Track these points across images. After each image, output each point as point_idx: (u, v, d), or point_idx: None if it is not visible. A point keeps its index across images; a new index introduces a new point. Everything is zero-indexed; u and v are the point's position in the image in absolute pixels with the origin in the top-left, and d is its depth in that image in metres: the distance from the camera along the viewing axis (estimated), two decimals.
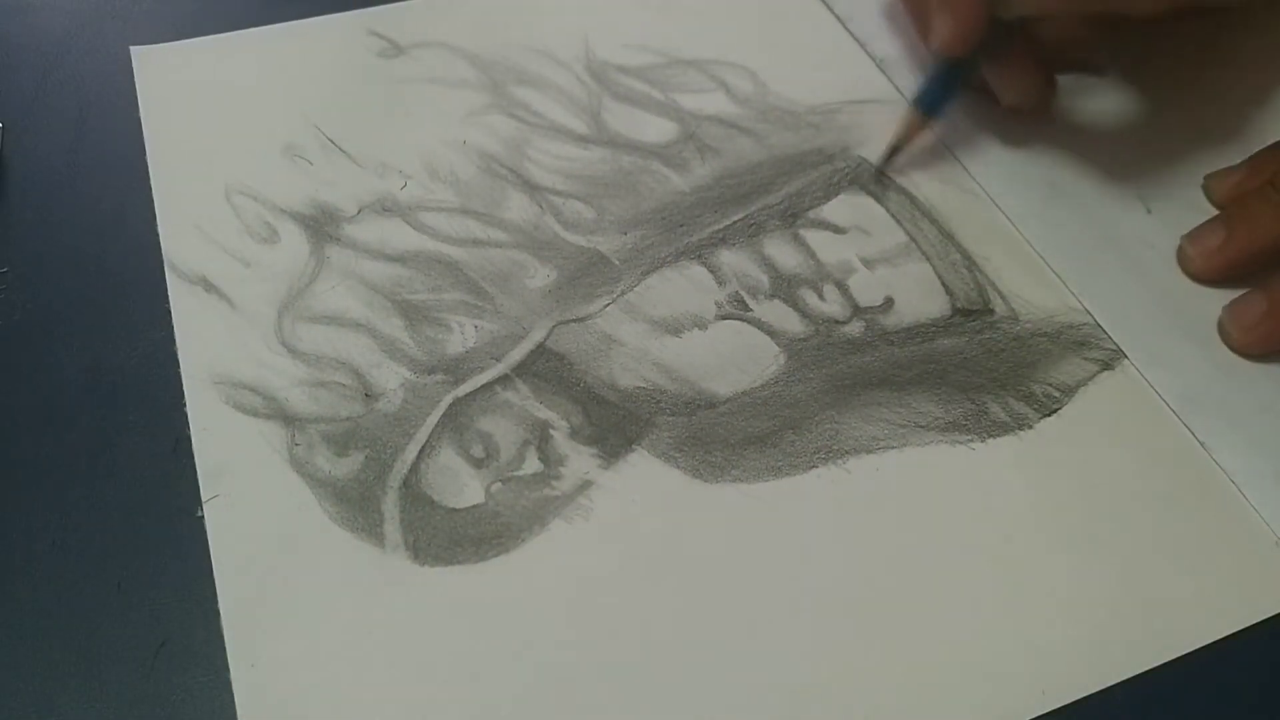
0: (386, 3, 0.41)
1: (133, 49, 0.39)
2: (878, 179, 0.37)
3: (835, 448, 0.30)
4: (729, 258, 0.34)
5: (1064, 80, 0.39)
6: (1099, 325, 0.33)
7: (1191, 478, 0.30)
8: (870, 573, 0.28)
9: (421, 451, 0.29)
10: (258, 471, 0.28)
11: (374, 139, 0.36)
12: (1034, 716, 0.26)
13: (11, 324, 0.31)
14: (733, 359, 0.32)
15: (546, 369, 0.31)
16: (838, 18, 0.42)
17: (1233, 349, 0.33)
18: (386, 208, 0.34)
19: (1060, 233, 0.36)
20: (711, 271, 0.34)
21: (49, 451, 0.28)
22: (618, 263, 0.34)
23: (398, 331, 0.31)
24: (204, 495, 0.28)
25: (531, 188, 0.35)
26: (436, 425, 0.29)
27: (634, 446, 0.29)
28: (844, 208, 0.36)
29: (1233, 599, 0.28)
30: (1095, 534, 0.29)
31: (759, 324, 0.32)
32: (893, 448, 0.30)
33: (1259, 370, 0.32)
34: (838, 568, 0.28)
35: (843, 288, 0.34)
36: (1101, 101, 0.40)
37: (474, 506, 0.28)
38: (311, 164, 0.35)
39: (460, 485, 0.28)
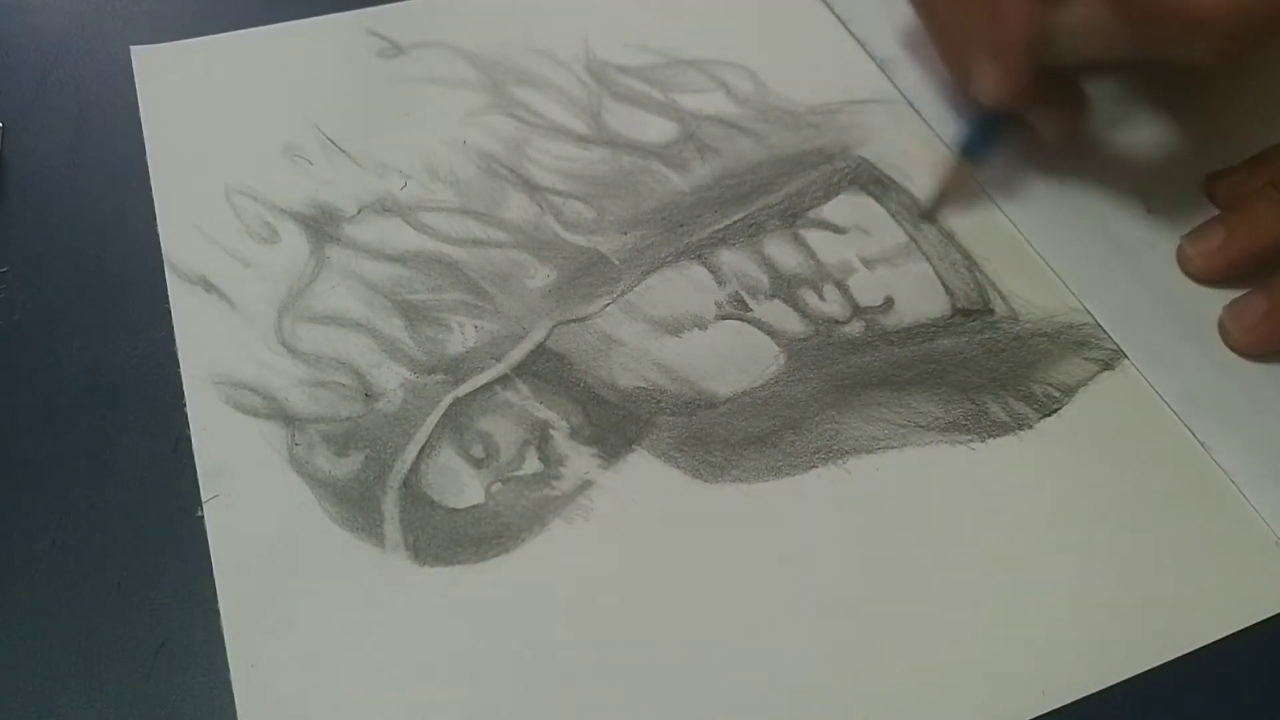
0: (386, 3, 0.41)
1: (133, 49, 0.39)
2: (878, 181, 0.37)
3: (835, 448, 0.30)
4: (729, 258, 0.34)
5: None
6: (1099, 325, 0.33)
7: (1191, 478, 0.30)
8: (870, 573, 0.28)
9: (421, 451, 0.29)
10: (258, 471, 0.28)
11: (374, 139, 0.36)
12: (1034, 716, 0.26)
13: (11, 324, 0.31)
14: (733, 359, 0.32)
15: (546, 369, 0.31)
16: (838, 17, 0.42)
17: (1233, 349, 0.33)
18: (386, 208, 0.34)
19: (1060, 233, 0.36)
20: (711, 271, 0.34)
21: (49, 451, 0.28)
22: (618, 263, 0.34)
23: (398, 331, 0.31)
24: (204, 495, 0.28)
25: (531, 188, 0.35)
26: (436, 425, 0.29)
27: (634, 446, 0.29)
28: (844, 208, 0.36)
29: (1233, 599, 0.28)
30: (1095, 534, 0.29)
31: (759, 324, 0.32)
32: (893, 448, 0.30)
33: (1259, 370, 0.32)
34: (838, 568, 0.28)
35: (843, 288, 0.34)
36: (1102, 102, 0.40)
37: (474, 506, 0.28)
38: (311, 164, 0.35)
39: (460, 485, 0.28)
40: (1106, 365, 0.32)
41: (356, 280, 0.32)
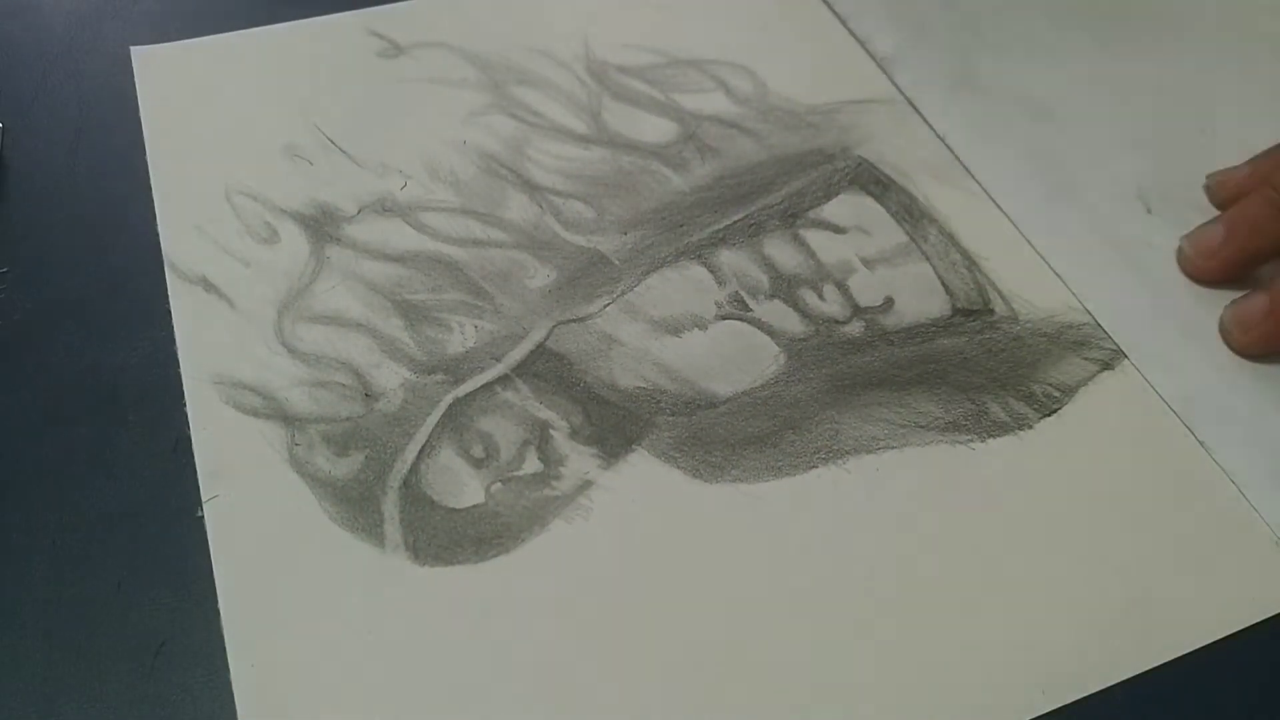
0: (386, 3, 0.41)
1: (133, 49, 0.39)
2: (878, 181, 0.37)
3: (835, 448, 0.30)
4: (729, 258, 0.34)
5: (1062, 79, 0.39)
6: (1099, 325, 0.33)
7: (1191, 478, 0.30)
8: (870, 573, 0.28)
9: (421, 451, 0.29)
10: (258, 471, 0.28)
11: (374, 139, 0.36)
12: (1034, 716, 0.25)
13: (11, 324, 0.31)
14: (733, 359, 0.32)
15: (546, 369, 0.31)
16: (838, 17, 0.42)
17: (1233, 349, 0.33)
18: (386, 208, 0.34)
19: (1060, 233, 0.36)
20: (711, 271, 0.34)
21: (49, 451, 0.28)
22: (618, 263, 0.34)
23: (398, 331, 0.31)
24: (204, 495, 0.28)
25: (531, 188, 0.35)
26: (436, 425, 0.29)
27: (634, 446, 0.29)
28: (844, 208, 0.36)
29: (1233, 599, 0.28)
30: (1095, 534, 0.29)
31: (759, 324, 0.32)
32: (893, 448, 0.30)
33: (1259, 370, 0.32)
34: (838, 567, 0.28)
35: (843, 288, 0.34)
36: (1103, 102, 0.40)
37: (474, 506, 0.28)
38: (311, 164, 0.35)
39: (460, 485, 0.28)
40: (1106, 365, 0.32)
41: (356, 280, 0.32)
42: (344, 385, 0.30)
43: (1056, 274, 0.34)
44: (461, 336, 0.31)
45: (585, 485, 0.29)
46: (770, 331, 0.32)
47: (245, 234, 0.33)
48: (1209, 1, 0.45)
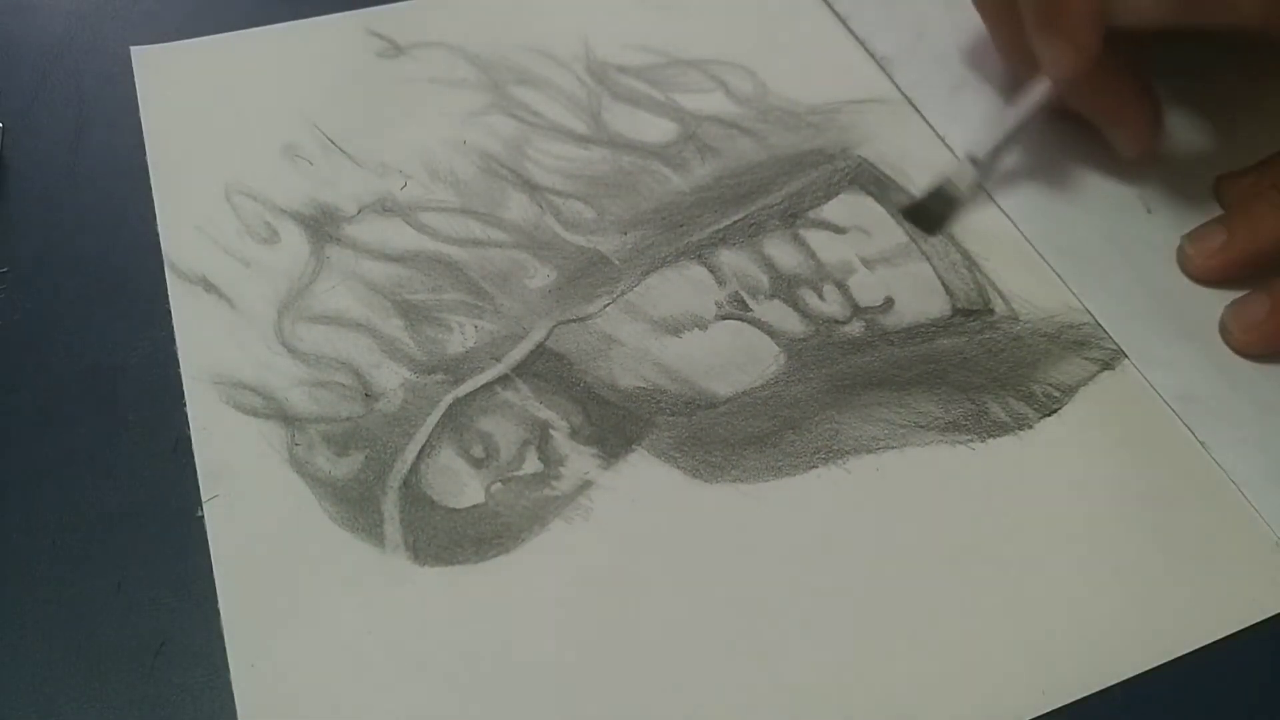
0: (386, 2, 0.41)
1: (133, 49, 0.39)
2: (878, 181, 0.37)
3: (835, 448, 0.30)
4: (729, 258, 0.34)
5: None
6: (1099, 325, 0.33)
7: (1191, 478, 0.30)
8: (870, 573, 0.28)
9: (421, 451, 0.29)
10: (258, 471, 0.28)
11: (374, 139, 0.36)
12: (1034, 716, 0.26)
13: (11, 324, 0.31)
14: (733, 359, 0.32)
15: (546, 369, 0.31)
16: (838, 16, 0.42)
17: (1234, 349, 0.33)
18: (386, 208, 0.34)
19: (1060, 233, 0.36)
20: (711, 271, 0.34)
21: (49, 451, 0.28)
22: (618, 263, 0.34)
23: (398, 331, 0.31)
24: (204, 495, 0.28)
25: (531, 188, 0.35)
26: (436, 425, 0.29)
27: (634, 446, 0.29)
28: (844, 208, 0.36)
29: (1233, 599, 0.28)
30: (1095, 534, 0.29)
31: (759, 324, 0.32)
32: (893, 448, 0.30)
33: (1259, 370, 0.32)
34: (837, 568, 0.28)
35: (843, 288, 0.34)
36: None
37: (474, 506, 0.28)
38: (311, 164, 0.35)
39: (460, 485, 0.28)
40: (1106, 365, 0.32)
41: (356, 280, 0.32)
42: (344, 385, 0.30)
43: (1056, 274, 0.34)
44: (461, 336, 0.31)
45: (585, 485, 0.29)
46: (770, 331, 0.32)
47: (245, 234, 0.33)
48: None
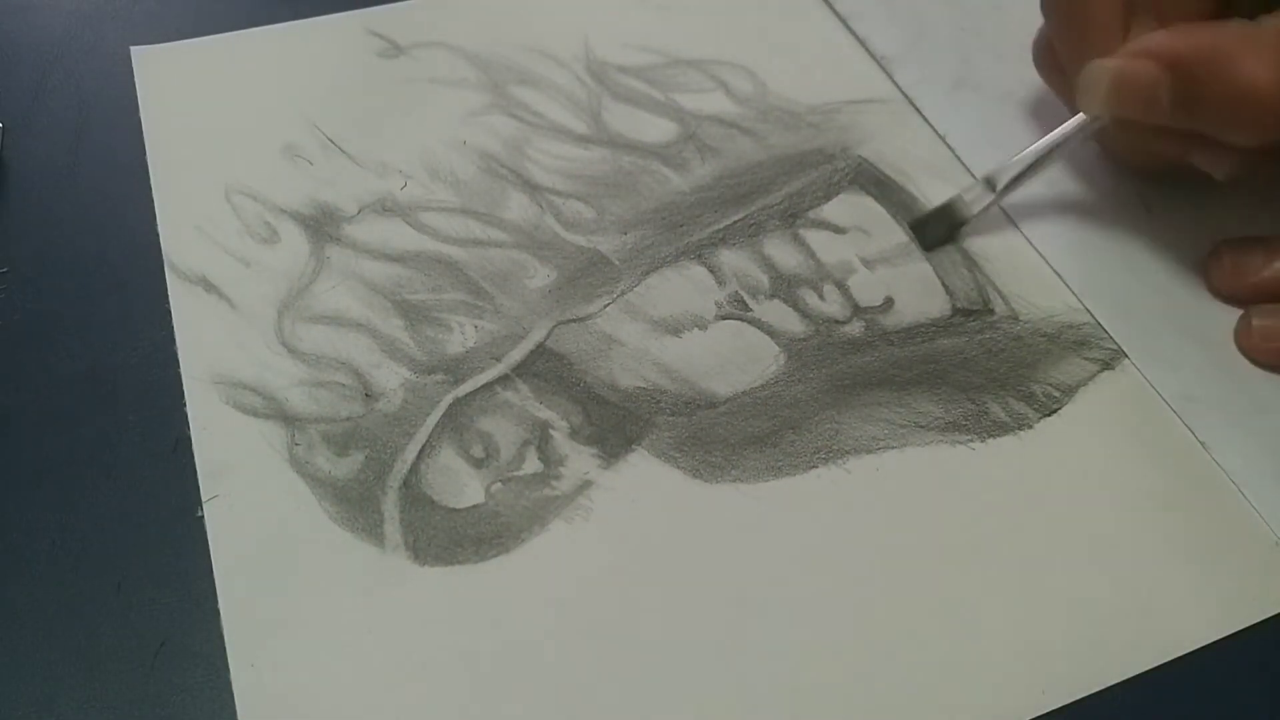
0: (386, 2, 0.41)
1: (133, 49, 0.39)
2: (878, 181, 0.37)
3: (835, 448, 0.30)
4: (729, 258, 0.34)
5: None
6: (1099, 325, 0.33)
7: (1191, 478, 0.30)
8: (870, 573, 0.28)
9: (421, 451, 0.29)
10: (258, 471, 0.28)
11: (374, 139, 0.36)
12: (1034, 716, 0.26)
13: (11, 324, 0.31)
14: (733, 359, 0.32)
15: (546, 369, 0.31)
16: (838, 16, 0.42)
17: (1250, 357, 0.32)
18: (386, 208, 0.34)
19: (1060, 232, 0.36)
20: (711, 271, 0.34)
21: (49, 451, 0.28)
22: (618, 263, 0.34)
23: (398, 331, 0.31)
24: (204, 495, 0.28)
25: (531, 188, 0.35)
26: (436, 425, 0.29)
27: (634, 446, 0.29)
28: (844, 208, 0.36)
29: (1233, 599, 0.28)
30: (1095, 534, 0.29)
31: (759, 324, 0.32)
32: (893, 448, 0.30)
33: (1259, 370, 0.32)
34: (837, 568, 0.28)
35: (843, 288, 0.34)
36: None
37: (474, 506, 0.28)
38: (311, 164, 0.35)
39: (460, 485, 0.28)
40: (1106, 365, 0.32)
41: (356, 280, 0.32)
42: (344, 385, 0.30)
43: (1057, 274, 0.34)
44: (461, 336, 0.31)
45: (585, 485, 0.29)
46: (770, 331, 0.32)
47: (245, 234, 0.33)
48: None
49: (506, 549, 0.27)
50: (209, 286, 0.32)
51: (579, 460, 0.29)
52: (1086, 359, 0.32)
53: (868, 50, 0.41)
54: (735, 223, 0.35)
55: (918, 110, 0.39)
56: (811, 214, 0.36)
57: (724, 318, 0.33)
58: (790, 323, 0.33)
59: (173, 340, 0.31)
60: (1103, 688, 0.26)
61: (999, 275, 0.34)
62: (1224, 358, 0.33)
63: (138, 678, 0.25)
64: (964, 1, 0.43)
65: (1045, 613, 0.27)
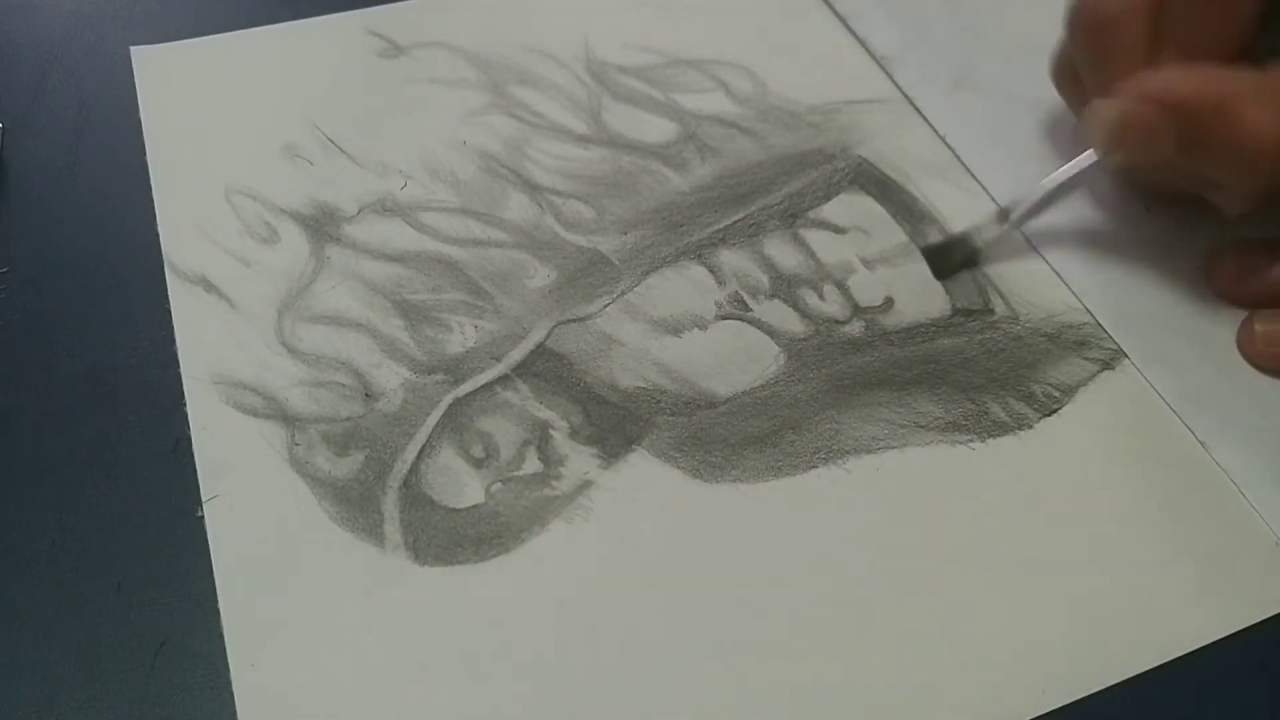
0: (386, 2, 0.41)
1: (133, 49, 0.39)
2: (878, 181, 0.37)
3: (835, 448, 0.30)
4: (729, 258, 0.34)
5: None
6: (1099, 325, 0.33)
7: (1191, 478, 0.30)
8: (870, 573, 0.28)
9: (421, 451, 0.29)
10: (258, 471, 0.28)
11: (374, 139, 0.36)
12: (1034, 716, 0.26)
13: (11, 324, 0.31)
14: (733, 359, 0.32)
15: (546, 369, 0.31)
16: (838, 16, 0.42)
17: (1253, 361, 0.32)
18: (386, 208, 0.34)
19: (1060, 233, 0.36)
20: (711, 271, 0.34)
21: (49, 451, 0.28)
22: (618, 263, 0.34)
23: (398, 331, 0.31)
24: (204, 495, 0.28)
25: (531, 188, 0.35)
26: (436, 425, 0.29)
27: (634, 446, 0.29)
28: (844, 208, 0.36)
29: (1233, 599, 0.28)
30: (1095, 534, 0.29)
31: (759, 324, 0.32)
32: (893, 448, 0.30)
33: (1259, 371, 0.32)
34: (837, 568, 0.28)
35: (843, 288, 0.34)
36: None
37: (474, 506, 0.28)
38: (311, 164, 0.35)
39: (460, 485, 0.28)
40: (1106, 365, 0.32)
41: (356, 280, 0.32)
42: (344, 385, 0.30)
43: (1057, 274, 0.34)
44: (461, 336, 0.31)
45: (585, 485, 0.29)
46: (770, 331, 0.32)
47: (245, 234, 0.33)
48: None
49: (506, 549, 0.27)
50: (209, 286, 0.32)
51: (579, 460, 0.29)
52: (1086, 359, 0.32)
53: (868, 50, 0.41)
54: (735, 223, 0.35)
55: (918, 110, 0.39)
56: (811, 214, 0.36)
57: (724, 318, 0.33)
58: (790, 323, 0.33)
59: (173, 340, 0.31)
60: (1103, 688, 0.26)
61: (999, 275, 0.34)
62: (1224, 358, 0.33)
63: (138, 678, 0.25)
64: (964, 1, 0.43)
65: (1045, 613, 0.27)
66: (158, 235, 0.33)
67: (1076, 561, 0.28)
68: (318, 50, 0.39)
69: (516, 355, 0.31)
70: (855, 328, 0.33)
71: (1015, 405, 0.31)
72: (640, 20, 0.41)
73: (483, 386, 0.30)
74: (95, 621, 0.26)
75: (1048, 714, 0.26)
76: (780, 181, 0.36)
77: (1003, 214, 0.35)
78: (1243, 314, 0.33)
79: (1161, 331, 0.33)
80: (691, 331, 0.32)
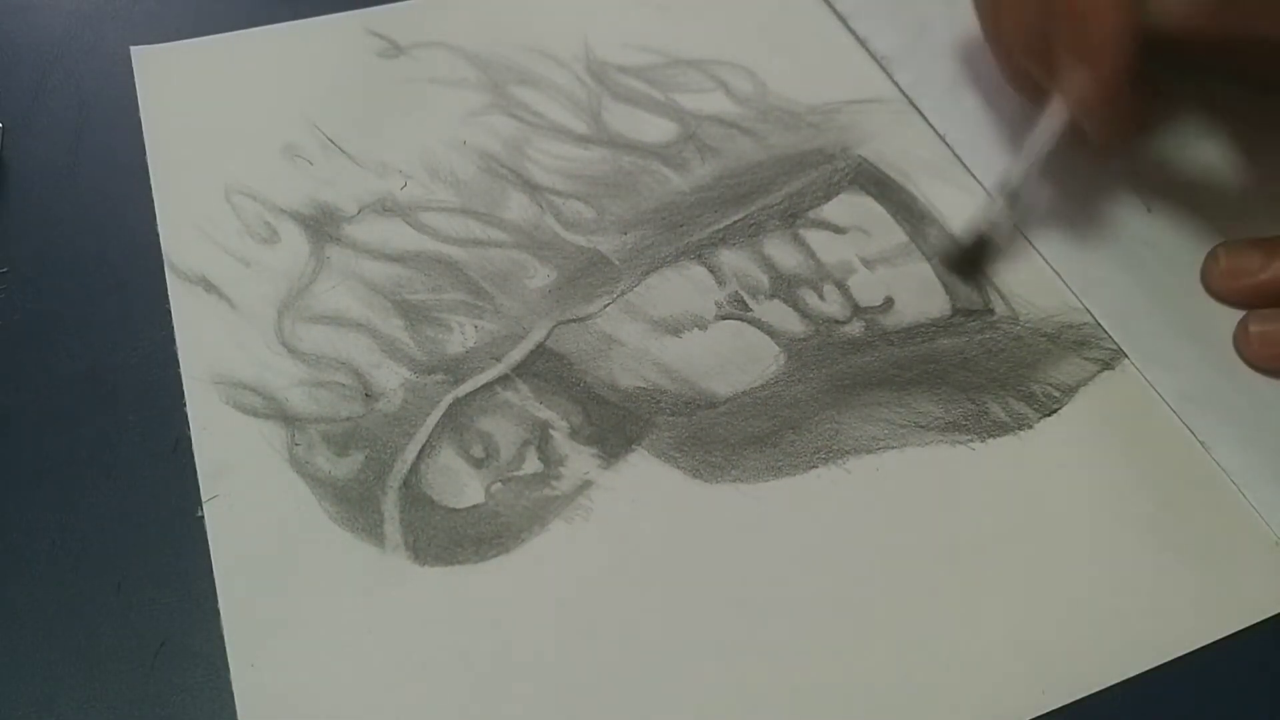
0: (386, 2, 0.41)
1: (133, 49, 0.39)
2: (878, 181, 0.37)
3: (835, 448, 0.30)
4: (729, 258, 0.34)
5: None
6: (1099, 325, 0.33)
7: (1191, 478, 0.30)
8: (870, 573, 0.28)
9: (421, 451, 0.29)
10: (258, 471, 0.28)
11: (374, 139, 0.36)
12: (1034, 716, 0.26)
13: (11, 324, 0.31)
14: (733, 359, 0.32)
15: (546, 369, 0.31)
16: (839, 16, 0.42)
17: (1250, 361, 0.32)
18: (386, 208, 0.34)
19: (1060, 233, 0.36)
20: (711, 271, 0.34)
21: (49, 451, 0.28)
22: (618, 263, 0.34)
23: (398, 331, 0.31)
24: (204, 495, 0.28)
25: (531, 188, 0.35)
26: (436, 425, 0.29)
27: (634, 446, 0.29)
28: (844, 208, 0.36)
29: (1233, 599, 0.28)
30: (1095, 534, 0.29)
31: (759, 324, 0.32)
32: (893, 448, 0.30)
33: (1257, 371, 0.32)
34: (838, 568, 0.28)
35: (843, 288, 0.34)
36: None
37: (474, 506, 0.28)
38: (311, 164, 0.35)
39: (460, 485, 0.28)
40: (1106, 365, 0.32)
41: (356, 280, 0.32)
42: (344, 385, 0.30)
43: (1057, 274, 0.34)
44: (461, 336, 0.31)
45: (585, 485, 0.29)
46: (770, 331, 0.32)
47: (245, 234, 0.33)
48: None
49: (506, 549, 0.27)
50: (209, 286, 0.32)
51: (579, 460, 0.29)
52: (1086, 359, 0.32)
53: (868, 50, 0.41)
54: (735, 223, 0.35)
55: (918, 110, 0.39)
56: (811, 214, 0.36)
57: (724, 318, 0.33)
58: (790, 323, 0.33)
59: (173, 340, 0.31)
60: (1103, 688, 0.26)
61: (999, 275, 0.34)
62: (1224, 358, 0.33)
63: (138, 678, 0.25)
64: (964, 1, 0.43)
65: (1045, 613, 0.27)
66: (158, 235, 0.33)
67: (1076, 561, 0.28)
68: (318, 50, 0.39)
69: (516, 355, 0.31)
70: (855, 328, 0.33)
71: (1015, 405, 0.31)
72: (640, 20, 0.41)
73: (483, 386, 0.30)
74: (95, 621, 0.26)
75: (1048, 714, 0.26)
76: (780, 181, 0.36)
77: (1005, 194, 0.34)
78: (1242, 314, 0.33)
79: (1161, 331, 0.33)
80: (691, 331, 0.32)
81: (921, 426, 0.30)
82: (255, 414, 0.29)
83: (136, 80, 0.38)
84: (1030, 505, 0.29)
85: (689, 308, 0.33)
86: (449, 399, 0.30)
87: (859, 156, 0.37)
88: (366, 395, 0.30)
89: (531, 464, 0.29)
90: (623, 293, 0.33)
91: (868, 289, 0.34)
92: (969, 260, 0.34)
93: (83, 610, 0.26)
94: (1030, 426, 0.31)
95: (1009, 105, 0.39)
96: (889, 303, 0.33)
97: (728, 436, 0.30)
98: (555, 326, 0.32)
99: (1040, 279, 0.34)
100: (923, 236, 0.35)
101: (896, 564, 0.28)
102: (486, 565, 0.27)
